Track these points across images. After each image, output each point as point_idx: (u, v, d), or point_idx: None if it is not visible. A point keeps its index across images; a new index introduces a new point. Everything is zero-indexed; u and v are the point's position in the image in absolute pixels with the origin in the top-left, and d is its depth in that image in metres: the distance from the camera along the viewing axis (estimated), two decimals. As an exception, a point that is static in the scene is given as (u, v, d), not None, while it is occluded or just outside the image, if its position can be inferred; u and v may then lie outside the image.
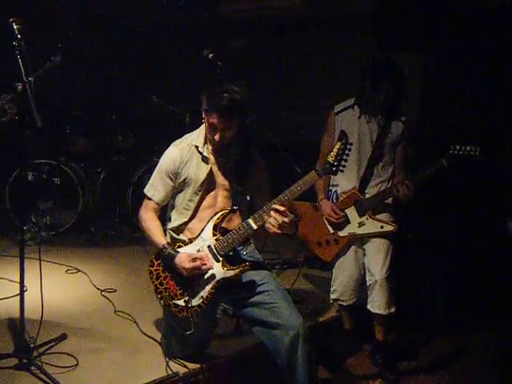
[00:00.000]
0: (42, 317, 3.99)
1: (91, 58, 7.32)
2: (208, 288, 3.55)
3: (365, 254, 4.37)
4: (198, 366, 3.80)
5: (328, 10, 7.22)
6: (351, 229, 4.33)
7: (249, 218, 3.50)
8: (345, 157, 3.42)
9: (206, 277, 3.55)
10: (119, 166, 7.16)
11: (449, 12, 5.82)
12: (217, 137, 3.53)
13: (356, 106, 4.35)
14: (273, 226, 3.40)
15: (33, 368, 3.57)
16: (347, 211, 4.32)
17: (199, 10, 7.90)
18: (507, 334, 4.95)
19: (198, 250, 3.58)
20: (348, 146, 3.43)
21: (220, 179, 3.70)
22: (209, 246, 3.57)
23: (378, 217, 4.28)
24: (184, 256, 3.54)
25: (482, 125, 5.49)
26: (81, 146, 7.13)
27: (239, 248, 3.74)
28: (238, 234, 3.52)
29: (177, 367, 3.75)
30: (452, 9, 5.80)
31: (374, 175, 4.32)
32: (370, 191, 4.31)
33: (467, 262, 5.37)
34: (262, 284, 3.61)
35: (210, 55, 4.67)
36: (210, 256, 3.55)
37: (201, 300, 3.56)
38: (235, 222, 3.69)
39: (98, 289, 5.08)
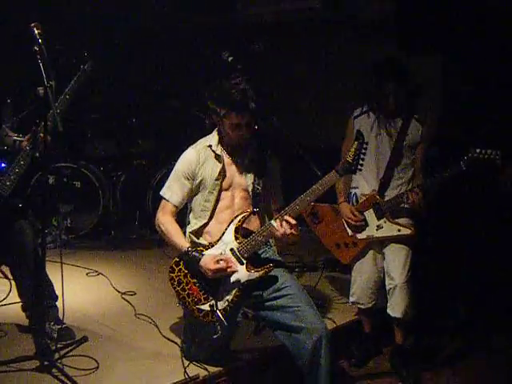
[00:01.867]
0: (62, 319, 4.04)
1: (111, 61, 7.36)
2: (234, 291, 3.55)
3: (384, 258, 4.35)
4: (218, 369, 3.81)
5: (348, 13, 7.20)
6: (369, 231, 4.31)
7: (271, 219, 3.52)
8: (362, 156, 3.47)
9: (231, 280, 3.55)
10: (139, 170, 7.20)
11: (468, 13, 5.78)
12: (244, 131, 3.58)
13: (372, 110, 4.34)
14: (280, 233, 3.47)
15: (54, 370, 3.60)
16: (366, 214, 4.30)
17: (219, 13, 7.93)
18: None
19: (221, 254, 3.58)
20: (364, 146, 3.49)
21: (236, 179, 3.72)
22: (231, 249, 3.58)
23: (396, 220, 4.25)
24: (209, 258, 3.54)
25: (503, 126, 5.45)
26: (101, 150, 7.17)
27: (261, 251, 3.74)
28: (261, 236, 3.53)
29: (197, 370, 3.76)
30: (472, 9, 5.76)
31: (394, 177, 4.29)
32: (390, 193, 4.28)
33: (488, 265, 5.32)
34: (285, 287, 3.60)
35: (230, 58, 4.68)
36: (234, 259, 3.56)
37: (227, 303, 3.56)
38: (254, 223, 3.71)
39: (119, 291, 5.10)
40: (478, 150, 3.96)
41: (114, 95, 7.29)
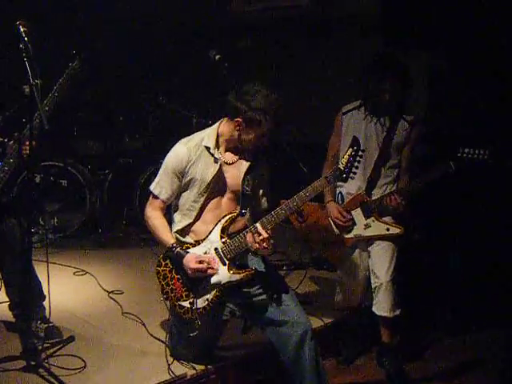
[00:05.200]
0: (49, 318, 4.02)
1: (98, 59, 7.33)
2: (214, 291, 3.56)
3: (369, 256, 4.35)
4: (205, 367, 3.81)
5: (337, 10, 7.21)
6: (357, 231, 4.31)
7: (257, 221, 3.50)
8: (356, 164, 3.45)
9: (211, 279, 3.55)
10: (126, 168, 7.17)
11: (456, 9, 5.80)
12: (267, 141, 3.58)
13: (363, 107, 4.33)
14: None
15: (40, 370, 3.58)
16: (353, 213, 4.30)
17: (207, 12, 7.92)
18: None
19: (205, 252, 3.58)
20: (360, 153, 3.47)
21: (228, 181, 3.68)
22: (216, 249, 3.57)
23: (384, 219, 4.26)
24: (191, 256, 3.54)
25: (491, 124, 5.47)
26: (88, 148, 7.15)
27: (249, 253, 3.73)
28: (244, 239, 3.52)
29: (184, 369, 3.77)
30: (459, 6, 5.78)
31: (381, 176, 4.30)
32: (376, 192, 4.29)
33: (475, 262, 5.35)
34: (271, 283, 3.63)
35: (217, 56, 4.68)
36: (217, 259, 3.56)
37: (206, 302, 3.57)
38: (239, 223, 3.68)
39: (106, 291, 5.09)
40: (466, 150, 3.97)
41: (101, 93, 7.26)
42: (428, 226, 5.52)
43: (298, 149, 5.84)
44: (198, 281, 3.57)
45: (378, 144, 4.27)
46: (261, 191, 3.82)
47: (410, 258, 4.71)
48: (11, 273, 4.01)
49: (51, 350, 3.87)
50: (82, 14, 7.24)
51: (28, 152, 3.74)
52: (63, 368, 3.66)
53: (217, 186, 3.67)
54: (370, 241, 4.32)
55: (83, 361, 3.78)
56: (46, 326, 4.06)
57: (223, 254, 3.56)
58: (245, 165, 3.70)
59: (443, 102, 6.10)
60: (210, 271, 3.52)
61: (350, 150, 3.45)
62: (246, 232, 3.50)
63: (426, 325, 5.12)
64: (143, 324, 4.42)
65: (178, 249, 3.59)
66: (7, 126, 4.20)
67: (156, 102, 7.24)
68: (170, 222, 3.84)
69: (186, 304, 3.60)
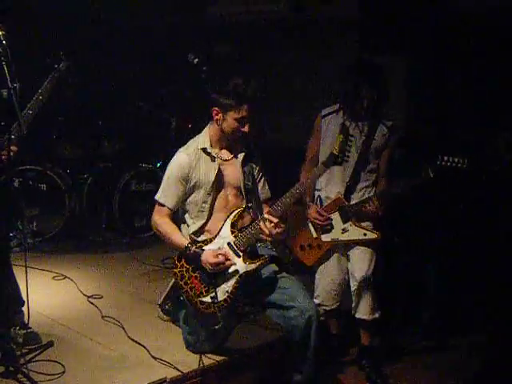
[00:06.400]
0: (28, 323, 3.99)
1: (77, 63, 7.29)
2: (232, 282, 3.70)
3: (348, 260, 4.37)
4: (185, 371, 3.81)
5: (315, 13, 7.24)
6: (334, 235, 4.32)
7: (262, 212, 3.71)
8: (347, 147, 3.61)
9: (229, 272, 3.71)
10: (106, 172, 7.14)
11: (432, 14, 5.84)
12: (247, 128, 3.73)
13: (341, 111, 4.34)
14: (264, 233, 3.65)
15: (19, 376, 3.56)
16: (331, 216, 4.31)
17: (186, 15, 7.92)
18: (495, 335, 4.98)
19: (219, 248, 3.74)
20: (350, 138, 3.67)
21: (229, 178, 3.87)
22: (228, 243, 3.74)
23: (362, 224, 4.27)
24: (209, 252, 3.69)
25: (469, 127, 5.51)
26: (67, 152, 7.11)
27: (258, 245, 3.91)
28: (256, 230, 3.68)
29: (165, 371, 3.77)
30: (435, 11, 5.83)
31: (360, 180, 4.31)
32: (355, 196, 4.30)
33: (455, 264, 5.38)
34: (279, 272, 3.83)
35: (196, 60, 4.70)
36: (231, 252, 3.71)
37: (226, 295, 3.70)
38: (246, 218, 3.87)
39: (85, 295, 5.06)
40: (445, 158, 4.00)
41: (80, 97, 7.22)
42: (407, 229, 5.54)
43: (273, 151, 5.86)
44: (217, 275, 3.72)
45: (357, 148, 4.29)
46: (261, 181, 4.02)
47: (389, 262, 4.73)
48: None
49: (30, 356, 3.84)
50: (65, 16, 7.20)
51: (7, 157, 3.72)
52: (42, 373, 3.63)
53: (220, 184, 3.85)
54: (348, 244, 4.35)
55: (62, 366, 3.76)
56: (24, 331, 4.03)
57: (236, 246, 3.72)
58: (239, 159, 3.89)
59: (422, 107, 6.14)
60: (228, 263, 3.68)
61: (340, 136, 3.62)
62: (258, 222, 3.66)
63: (405, 328, 5.14)
64: (123, 328, 4.41)
65: (194, 248, 3.73)
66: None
67: (135, 105, 7.23)
68: (180, 225, 3.98)
69: (207, 299, 3.73)
